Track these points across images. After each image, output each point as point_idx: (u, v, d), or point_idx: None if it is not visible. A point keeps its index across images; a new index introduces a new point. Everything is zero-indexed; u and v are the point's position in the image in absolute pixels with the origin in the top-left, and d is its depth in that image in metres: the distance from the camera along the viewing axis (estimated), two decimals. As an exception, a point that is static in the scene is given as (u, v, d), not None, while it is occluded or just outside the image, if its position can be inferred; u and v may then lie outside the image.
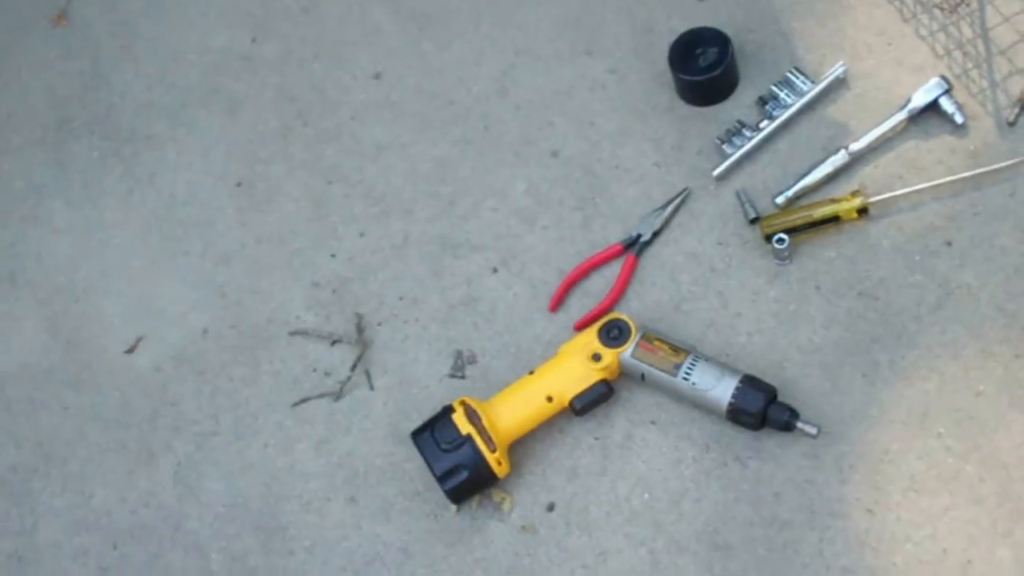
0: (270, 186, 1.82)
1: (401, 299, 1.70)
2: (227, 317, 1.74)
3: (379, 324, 1.69)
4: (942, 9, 1.70)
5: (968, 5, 1.69)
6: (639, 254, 1.64)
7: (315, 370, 1.68)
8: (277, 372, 1.69)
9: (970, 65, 1.65)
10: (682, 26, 1.77)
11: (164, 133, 1.91)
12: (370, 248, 1.74)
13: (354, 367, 1.66)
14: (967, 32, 1.67)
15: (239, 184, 1.84)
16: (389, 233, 1.74)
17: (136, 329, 1.77)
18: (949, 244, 1.56)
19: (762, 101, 1.69)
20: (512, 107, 1.80)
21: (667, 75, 1.74)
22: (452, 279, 1.69)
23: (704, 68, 1.69)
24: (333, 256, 1.75)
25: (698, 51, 1.70)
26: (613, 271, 1.64)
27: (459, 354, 1.64)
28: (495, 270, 1.68)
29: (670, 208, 1.65)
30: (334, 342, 1.69)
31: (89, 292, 1.81)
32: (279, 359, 1.70)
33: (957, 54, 1.66)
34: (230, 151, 1.86)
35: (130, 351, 1.75)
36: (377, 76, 1.87)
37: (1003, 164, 1.57)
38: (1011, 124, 1.60)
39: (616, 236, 1.66)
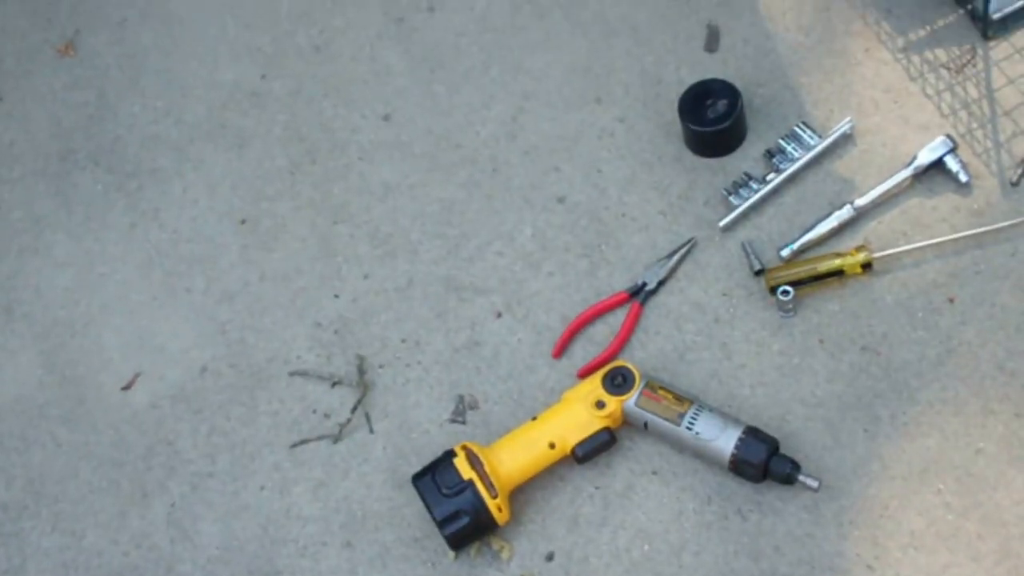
0: (276, 224, 1.82)
1: (403, 342, 1.69)
2: (227, 355, 1.73)
3: (381, 367, 1.68)
4: (948, 69, 1.71)
5: (974, 66, 1.70)
6: (644, 302, 1.64)
7: (315, 411, 1.67)
8: (276, 413, 1.68)
9: (975, 125, 1.67)
10: (691, 77, 1.78)
11: (170, 167, 1.91)
12: (374, 289, 1.74)
13: (354, 409, 1.65)
14: (973, 92, 1.69)
15: (244, 221, 1.83)
16: (394, 275, 1.74)
17: (134, 365, 1.76)
18: (951, 301, 1.56)
19: (769, 154, 1.70)
20: (520, 152, 1.80)
21: (675, 125, 1.75)
22: (456, 322, 1.69)
23: (713, 120, 1.70)
24: (337, 296, 1.74)
25: (708, 102, 1.71)
26: (617, 319, 1.64)
27: (461, 399, 1.64)
28: (499, 315, 1.68)
29: (676, 257, 1.66)
30: (335, 383, 1.68)
31: (87, 327, 1.80)
32: (278, 399, 1.69)
33: (963, 114, 1.68)
34: (236, 188, 1.86)
35: (127, 388, 1.74)
36: (386, 117, 1.88)
37: (1005, 223, 1.58)
38: (1014, 184, 1.61)
39: (621, 284, 1.67)
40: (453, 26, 1.94)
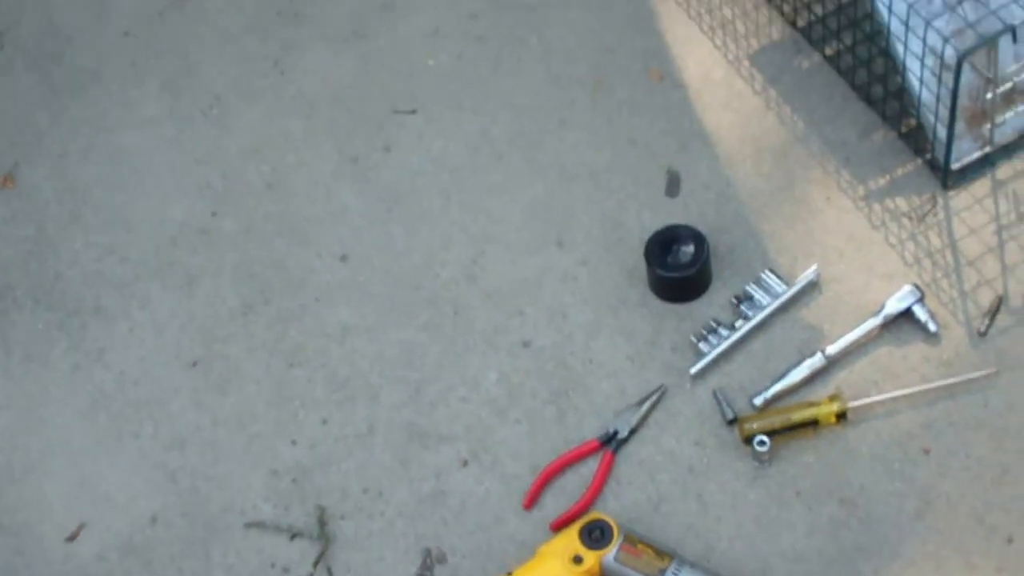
0: (228, 367, 1.75)
1: (366, 491, 1.63)
2: (178, 504, 1.65)
3: (342, 518, 1.61)
4: (910, 218, 1.73)
5: (935, 215, 1.72)
6: (616, 451, 1.60)
7: (273, 566, 1.59)
8: (231, 566, 1.60)
9: (939, 274, 1.68)
10: (653, 221, 1.77)
11: (115, 306, 1.84)
12: (333, 436, 1.68)
13: (316, 564, 1.58)
14: (935, 241, 1.70)
15: (195, 363, 1.77)
16: (353, 420, 1.69)
17: (78, 515, 1.67)
18: (927, 452, 1.55)
19: (737, 300, 1.69)
20: (482, 294, 1.77)
21: (639, 269, 1.73)
22: (420, 471, 1.63)
23: (680, 265, 1.69)
24: (294, 443, 1.68)
25: (674, 248, 1.71)
26: (589, 468, 1.60)
27: (427, 552, 1.57)
28: (466, 463, 1.63)
29: (647, 405, 1.63)
30: (293, 536, 1.61)
31: (28, 473, 1.71)
32: (233, 552, 1.61)
33: (926, 263, 1.69)
34: (186, 328, 1.80)
35: (71, 539, 1.65)
36: (343, 257, 1.84)
37: (976, 375, 1.59)
38: (982, 334, 1.62)
39: (590, 431, 1.63)
40: (409, 166, 1.92)
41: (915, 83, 1.68)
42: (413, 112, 1.98)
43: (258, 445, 1.68)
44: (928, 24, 1.57)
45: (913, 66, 1.66)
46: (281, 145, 1.98)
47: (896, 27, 1.67)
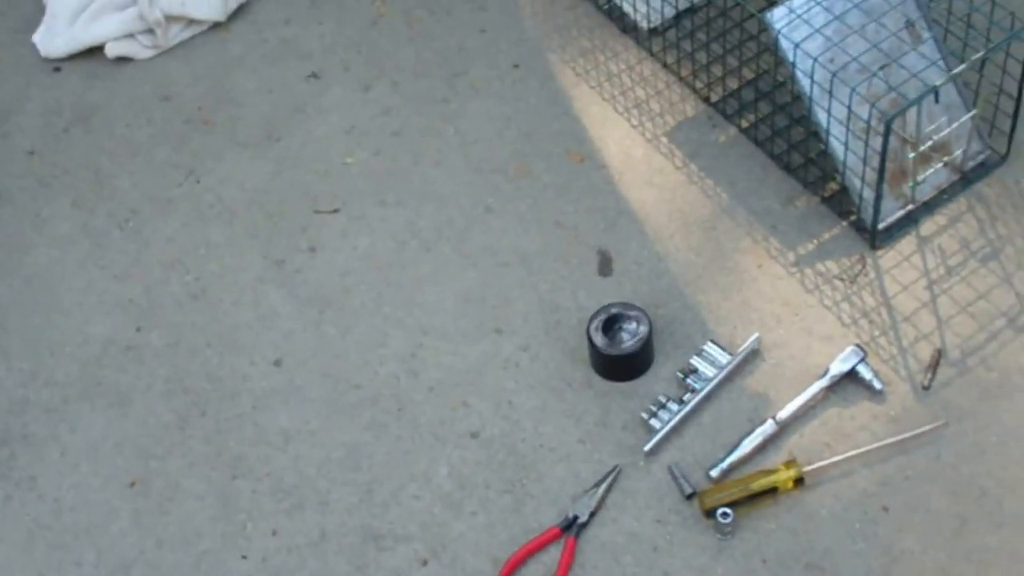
0: (168, 484, 1.69)
1: (324, 600, 1.58)
2: (128, 632, 1.58)
3: (302, 629, 1.56)
4: (842, 280, 1.75)
5: (867, 275, 1.75)
6: (578, 536, 1.58)
7: None
8: None
9: (877, 332, 1.70)
10: (589, 302, 1.77)
11: (43, 432, 1.77)
12: (285, 546, 1.62)
13: None
14: (870, 301, 1.72)
15: (133, 484, 1.70)
16: (304, 528, 1.64)
17: (21, 652, 1.59)
18: (886, 510, 1.56)
19: (682, 374, 1.69)
20: (424, 388, 1.74)
21: (580, 351, 1.73)
22: (378, 574, 1.59)
23: (624, 344, 1.68)
24: (244, 558, 1.62)
25: (615, 327, 1.70)
26: (551, 556, 1.57)
27: (395, 657, 1.53)
28: (425, 562, 1.59)
29: (604, 487, 1.61)
30: (253, 652, 1.55)
31: (-37, 613, 1.63)
32: (190, 676, 1.55)
33: (863, 322, 1.71)
34: (121, 448, 1.74)
35: (15, 678, 1.57)
36: (277, 362, 1.80)
37: (924, 428, 1.60)
38: (926, 388, 1.64)
39: (549, 518, 1.60)
40: (337, 265, 1.90)
41: (838, 148, 1.71)
42: (335, 211, 1.96)
43: (207, 563, 1.62)
44: (853, 90, 1.60)
45: (836, 131, 1.69)
46: (203, 254, 1.94)
47: (817, 94, 1.70)
